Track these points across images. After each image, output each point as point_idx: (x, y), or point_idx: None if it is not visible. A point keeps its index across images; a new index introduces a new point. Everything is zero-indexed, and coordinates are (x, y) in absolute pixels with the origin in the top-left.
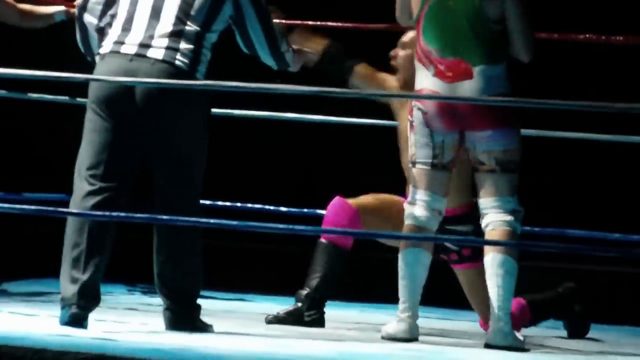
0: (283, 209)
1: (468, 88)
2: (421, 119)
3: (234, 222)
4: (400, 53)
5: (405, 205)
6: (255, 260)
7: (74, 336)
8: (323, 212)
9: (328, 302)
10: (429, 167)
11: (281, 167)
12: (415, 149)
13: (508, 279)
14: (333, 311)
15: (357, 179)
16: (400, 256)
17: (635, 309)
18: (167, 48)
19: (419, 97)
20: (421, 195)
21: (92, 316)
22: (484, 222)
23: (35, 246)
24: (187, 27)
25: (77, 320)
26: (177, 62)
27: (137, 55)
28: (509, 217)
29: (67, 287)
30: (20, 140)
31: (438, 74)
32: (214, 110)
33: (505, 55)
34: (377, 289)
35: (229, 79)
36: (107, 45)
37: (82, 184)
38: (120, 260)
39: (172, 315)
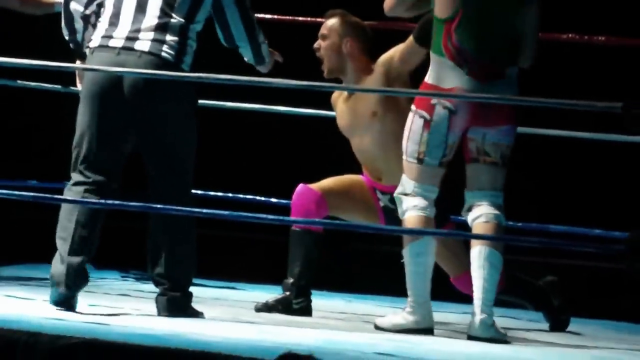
0: (274, 200)
1: (500, 88)
2: (447, 117)
3: (226, 212)
4: (323, 44)
5: (400, 196)
6: (245, 249)
7: (68, 320)
8: None
9: (314, 292)
10: (436, 166)
11: (273, 159)
12: (425, 147)
13: (493, 272)
14: (320, 301)
15: (349, 170)
16: (410, 247)
17: (615, 303)
18: (153, 40)
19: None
20: (419, 188)
21: (86, 301)
22: (474, 213)
23: (33, 232)
24: (172, 20)
25: (66, 299)
26: (163, 54)
27: (124, 48)
28: (498, 212)
29: (57, 266)
30: (18, 128)
31: (472, 74)
32: (209, 102)
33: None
34: (363, 279)
35: (223, 71)
36: (95, 40)
37: (75, 175)
38: (113, 247)
39: (164, 301)
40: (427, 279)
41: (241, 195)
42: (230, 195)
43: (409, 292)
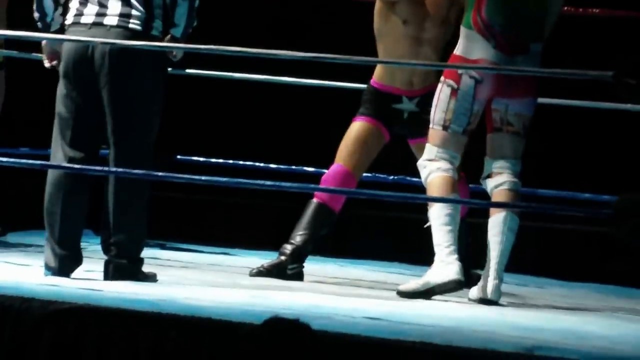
0: (272, 165)
1: (523, 62)
2: (473, 86)
3: (224, 179)
4: None
5: (424, 162)
6: (240, 215)
7: (61, 286)
8: (309, 169)
9: (308, 258)
10: (460, 133)
11: (271, 127)
12: (452, 114)
13: (512, 238)
14: (313, 266)
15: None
16: (437, 206)
17: (603, 267)
18: (120, 15)
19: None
20: (444, 153)
21: (82, 267)
22: (495, 180)
23: (38, 198)
24: None
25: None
26: (131, 26)
27: (95, 24)
28: (518, 180)
29: (49, 256)
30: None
31: (499, 47)
32: (212, 72)
33: None
34: (354, 244)
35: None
36: (68, 19)
37: (57, 152)
38: None
39: (111, 268)
40: (454, 234)
41: (241, 162)
42: (230, 162)
43: (436, 250)
